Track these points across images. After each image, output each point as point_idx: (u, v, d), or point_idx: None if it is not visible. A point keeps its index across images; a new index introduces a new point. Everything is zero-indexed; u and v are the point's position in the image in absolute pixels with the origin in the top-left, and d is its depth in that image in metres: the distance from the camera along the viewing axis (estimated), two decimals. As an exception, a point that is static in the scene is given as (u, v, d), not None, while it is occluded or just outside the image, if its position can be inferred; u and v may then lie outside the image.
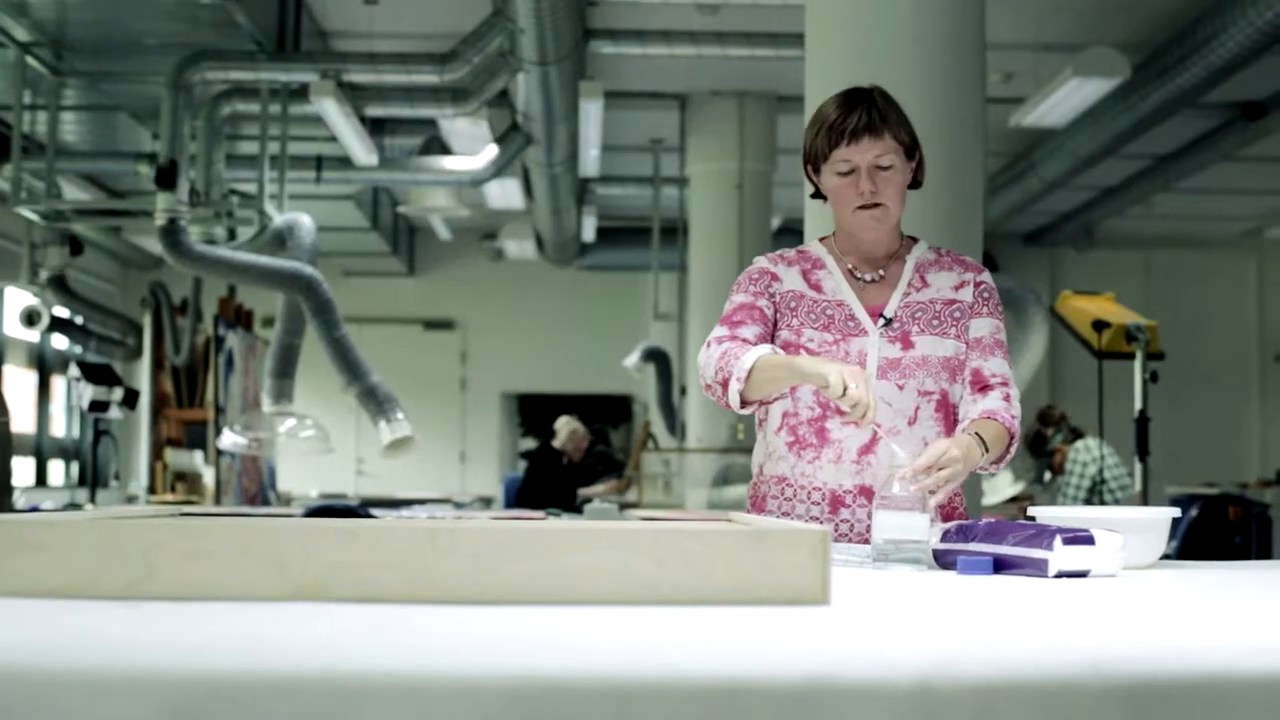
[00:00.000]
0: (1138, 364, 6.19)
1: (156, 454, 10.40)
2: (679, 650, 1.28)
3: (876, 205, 2.71)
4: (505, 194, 12.00)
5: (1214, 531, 8.31)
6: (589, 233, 13.90)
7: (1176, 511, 2.53)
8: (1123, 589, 2.01)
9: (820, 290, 2.79)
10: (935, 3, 5.03)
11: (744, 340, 2.71)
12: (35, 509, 7.37)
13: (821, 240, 2.88)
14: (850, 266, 2.82)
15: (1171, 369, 7.22)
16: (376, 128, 10.05)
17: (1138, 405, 6.14)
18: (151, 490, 10.08)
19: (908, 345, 2.74)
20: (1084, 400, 8.22)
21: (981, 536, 2.32)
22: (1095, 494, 7.97)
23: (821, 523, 2.69)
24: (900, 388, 2.71)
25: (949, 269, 2.85)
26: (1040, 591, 1.95)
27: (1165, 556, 2.58)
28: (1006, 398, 2.75)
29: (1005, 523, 2.31)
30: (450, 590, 1.57)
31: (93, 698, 1.16)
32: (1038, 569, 2.16)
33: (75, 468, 13.26)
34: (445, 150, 10.60)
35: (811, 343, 2.73)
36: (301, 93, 8.49)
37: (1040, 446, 8.50)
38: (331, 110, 8.23)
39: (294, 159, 9.62)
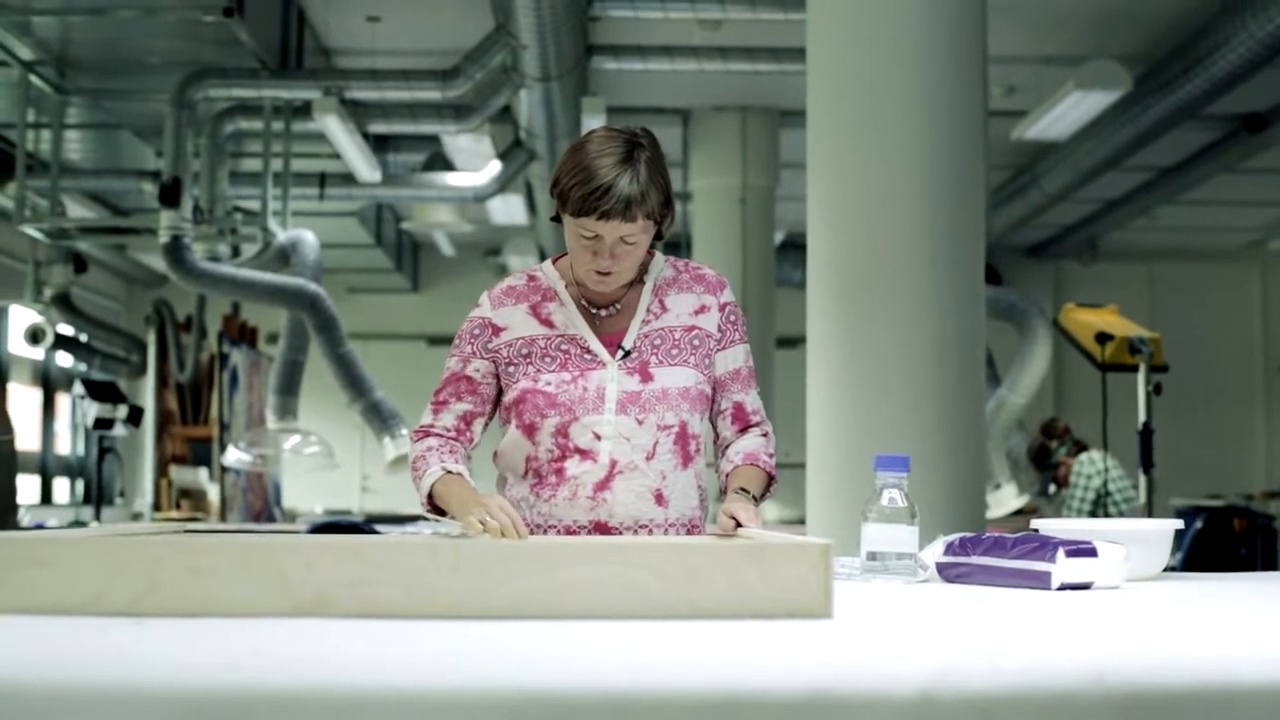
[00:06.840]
0: (1141, 376, 6.18)
1: (161, 471, 10.41)
2: (683, 664, 1.28)
3: (610, 273, 2.64)
4: (508, 209, 11.99)
5: (1219, 543, 8.29)
6: (592, 249, 13.85)
7: (1179, 523, 2.53)
8: (1125, 601, 2.01)
9: (552, 325, 2.71)
10: (936, 17, 5.03)
11: (442, 434, 2.78)
12: (40, 527, 7.37)
13: (557, 261, 2.78)
14: (585, 302, 2.73)
15: (1175, 381, 7.20)
16: (380, 144, 10.07)
17: (1141, 417, 6.13)
18: (156, 507, 10.08)
19: (647, 378, 2.67)
20: (1088, 413, 8.21)
21: (985, 549, 2.32)
22: (1100, 507, 7.94)
23: None
24: (640, 422, 2.65)
25: (688, 289, 2.76)
26: (1042, 603, 1.95)
27: (1170, 568, 2.58)
28: (765, 434, 2.77)
29: (1008, 536, 2.31)
30: (453, 606, 1.57)
31: (97, 713, 1.16)
32: (1041, 581, 2.16)
33: (80, 485, 13.25)
34: (448, 166, 10.61)
35: (549, 385, 2.67)
36: (304, 110, 8.50)
37: (1045, 459, 8.47)
38: (334, 127, 8.24)
39: (297, 176, 9.64)
